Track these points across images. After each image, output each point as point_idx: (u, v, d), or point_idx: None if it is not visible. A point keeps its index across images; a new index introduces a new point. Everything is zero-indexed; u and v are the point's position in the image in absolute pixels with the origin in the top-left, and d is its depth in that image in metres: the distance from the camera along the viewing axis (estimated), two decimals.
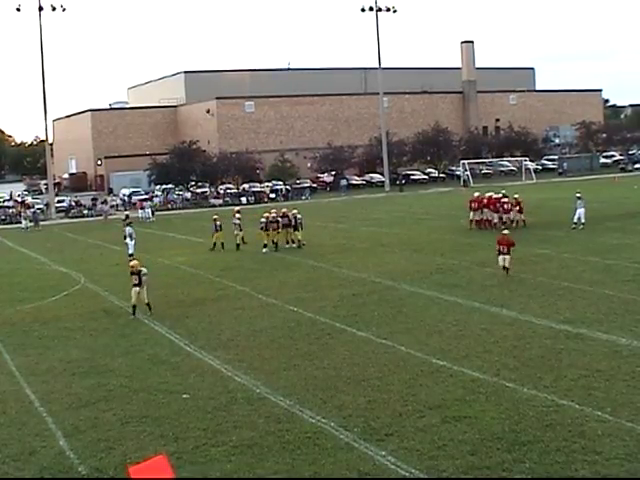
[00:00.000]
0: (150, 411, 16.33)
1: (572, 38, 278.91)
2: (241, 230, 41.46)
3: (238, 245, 40.98)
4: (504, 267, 28.85)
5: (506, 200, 44.57)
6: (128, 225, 42.79)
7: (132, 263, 26.42)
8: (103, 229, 59.15)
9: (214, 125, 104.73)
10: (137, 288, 25.35)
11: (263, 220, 40.27)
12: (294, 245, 40.29)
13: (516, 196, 45.24)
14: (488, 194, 45.75)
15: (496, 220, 43.44)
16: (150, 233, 51.47)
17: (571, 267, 30.45)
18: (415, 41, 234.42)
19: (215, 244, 41.07)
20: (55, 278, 35.33)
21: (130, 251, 39.34)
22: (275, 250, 39.35)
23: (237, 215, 42.24)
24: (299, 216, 40.93)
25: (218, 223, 41.46)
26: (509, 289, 26.98)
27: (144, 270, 25.70)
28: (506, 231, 30.41)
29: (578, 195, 42.16)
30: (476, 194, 46.18)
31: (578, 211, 41.48)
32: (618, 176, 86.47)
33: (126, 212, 57.25)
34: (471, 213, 45.07)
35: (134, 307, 25.47)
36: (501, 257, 29.03)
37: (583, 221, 41.22)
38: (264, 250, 39.07)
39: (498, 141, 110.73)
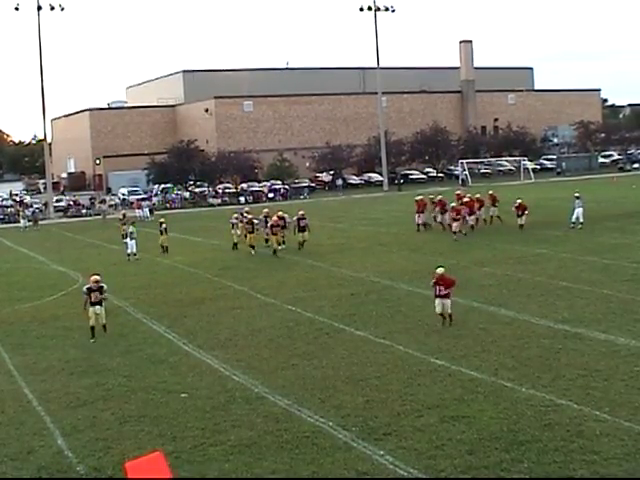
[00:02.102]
0: (148, 410, 16.33)
1: (571, 38, 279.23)
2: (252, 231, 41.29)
3: (235, 245, 40.94)
4: (442, 315, 22.02)
5: (467, 200, 43.55)
6: (130, 224, 42.69)
7: (93, 278, 22.88)
8: (101, 228, 59.14)
9: (212, 124, 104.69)
10: (97, 307, 22.39)
11: (270, 222, 38.92)
12: (284, 247, 39.37)
13: (491, 192, 45.32)
14: (439, 197, 45.43)
15: (472, 222, 42.63)
16: (148, 233, 51.36)
17: (569, 267, 30.45)
18: (413, 41, 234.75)
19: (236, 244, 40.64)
20: (53, 277, 35.33)
21: (129, 250, 39.26)
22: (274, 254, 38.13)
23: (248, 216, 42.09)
24: (306, 217, 40.00)
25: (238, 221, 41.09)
26: (507, 289, 26.98)
27: (105, 287, 22.94)
28: (441, 269, 22.49)
29: (577, 195, 42.17)
30: (419, 197, 45.70)
31: (576, 211, 41.47)
32: (617, 176, 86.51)
33: (123, 211, 57.17)
34: (416, 216, 44.50)
35: (93, 329, 22.37)
36: (438, 301, 21.92)
37: (582, 221, 41.21)
38: (252, 252, 38.62)
39: (496, 141, 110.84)
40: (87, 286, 22.79)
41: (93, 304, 22.33)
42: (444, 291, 21.87)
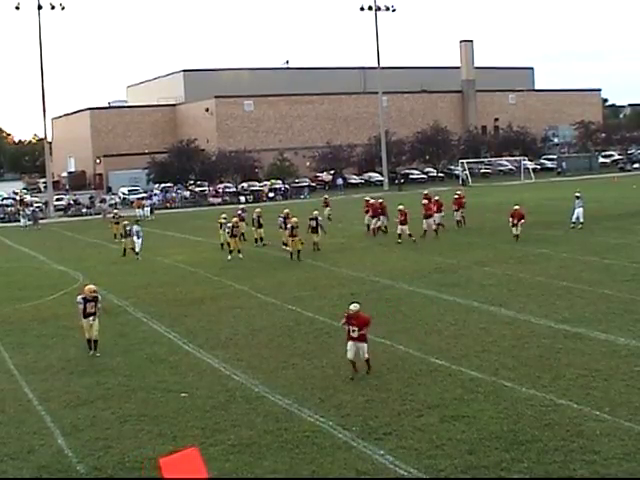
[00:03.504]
0: (148, 410, 16.33)
1: (571, 38, 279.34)
2: (260, 227, 41.26)
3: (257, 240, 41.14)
4: (353, 363, 17.84)
5: (402, 208, 40.41)
6: (135, 223, 42.51)
7: (89, 288, 21.20)
8: (101, 228, 59.05)
9: (213, 124, 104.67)
10: (91, 318, 20.73)
11: (290, 225, 36.65)
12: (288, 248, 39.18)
13: (436, 198, 44.85)
14: (380, 200, 44.70)
15: (436, 225, 41.56)
16: (149, 232, 51.36)
17: (570, 267, 30.44)
18: (414, 40, 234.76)
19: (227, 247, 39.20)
20: (54, 277, 35.33)
21: (137, 249, 39.23)
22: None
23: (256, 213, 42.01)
24: (320, 218, 39.68)
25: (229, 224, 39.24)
26: (508, 289, 26.98)
27: (100, 297, 21.45)
28: (355, 306, 17.88)
29: (577, 194, 42.17)
30: (371, 200, 45.21)
31: (577, 210, 41.45)
32: (617, 176, 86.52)
33: (115, 211, 55.87)
34: (366, 218, 43.74)
35: (89, 341, 20.91)
36: (351, 345, 17.77)
37: (582, 220, 41.19)
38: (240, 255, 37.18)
39: (497, 140, 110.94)
40: (82, 296, 20.98)
41: (87, 315, 20.72)
42: (356, 331, 17.69)
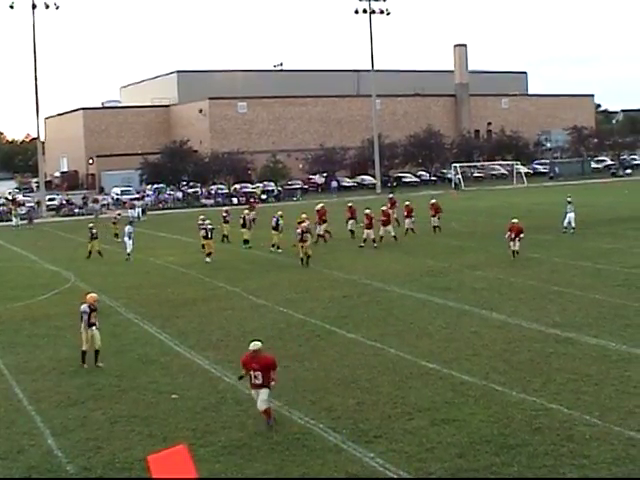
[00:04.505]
0: (139, 411, 16.32)
1: (565, 43, 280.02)
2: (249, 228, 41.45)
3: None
4: (267, 412, 15.06)
5: (368, 212, 40.15)
6: (129, 224, 42.48)
7: (91, 296, 20.29)
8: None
9: (206, 125, 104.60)
10: (94, 329, 19.85)
11: (299, 230, 35.38)
12: (279, 250, 39.15)
13: (407, 202, 45.02)
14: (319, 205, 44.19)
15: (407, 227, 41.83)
16: (141, 232, 51.30)
17: (561, 271, 30.51)
18: (408, 44, 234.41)
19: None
20: (45, 276, 35.27)
21: (128, 250, 39.20)
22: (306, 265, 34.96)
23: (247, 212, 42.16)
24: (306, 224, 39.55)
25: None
26: (499, 292, 27.03)
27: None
28: (256, 344, 15.18)
29: (569, 199, 42.25)
30: (319, 205, 44.84)
31: (568, 215, 41.54)
32: (610, 181, 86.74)
33: (117, 212, 57.05)
34: (317, 226, 42.73)
35: (84, 354, 19.80)
36: (254, 393, 15.23)
37: (573, 225, 41.29)
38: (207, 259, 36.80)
39: (490, 145, 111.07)
40: (87, 304, 19.95)
41: (89, 325, 19.81)
42: (259, 376, 14.90)
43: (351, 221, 43.50)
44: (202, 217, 41.05)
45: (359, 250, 39.11)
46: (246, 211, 43.76)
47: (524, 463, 12.93)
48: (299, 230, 35.43)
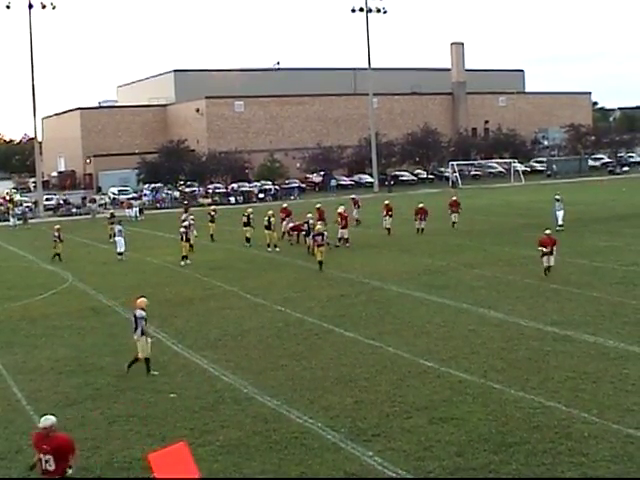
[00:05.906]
0: (137, 410, 16.31)
1: (562, 41, 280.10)
2: (252, 227, 41.36)
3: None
4: None
5: (341, 211, 40.03)
6: (118, 223, 42.54)
7: (141, 300, 19.20)
8: (91, 227, 58.99)
9: (203, 124, 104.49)
10: (146, 337, 18.97)
11: (313, 232, 34.80)
12: (277, 249, 39.32)
13: (386, 202, 45.06)
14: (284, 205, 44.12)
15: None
16: (138, 232, 51.32)
17: (559, 269, 30.46)
18: (405, 42, 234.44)
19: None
20: (43, 276, 35.26)
21: (119, 249, 39.20)
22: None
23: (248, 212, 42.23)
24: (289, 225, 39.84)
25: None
26: (497, 291, 27.05)
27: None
28: (48, 418, 11.29)
29: (557, 197, 42.31)
30: (285, 204, 45.00)
31: (557, 213, 41.62)
32: (607, 179, 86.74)
33: (111, 211, 57.05)
34: (284, 223, 42.78)
35: (138, 360, 18.91)
36: None
37: (560, 223, 41.40)
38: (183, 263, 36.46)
39: (487, 143, 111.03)
40: (142, 311, 18.91)
41: (142, 333, 18.83)
42: (52, 464, 10.98)
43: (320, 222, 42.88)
44: (184, 217, 41.52)
45: (356, 249, 39.05)
46: (249, 209, 43.70)
47: (522, 461, 12.95)
48: (313, 233, 34.57)
